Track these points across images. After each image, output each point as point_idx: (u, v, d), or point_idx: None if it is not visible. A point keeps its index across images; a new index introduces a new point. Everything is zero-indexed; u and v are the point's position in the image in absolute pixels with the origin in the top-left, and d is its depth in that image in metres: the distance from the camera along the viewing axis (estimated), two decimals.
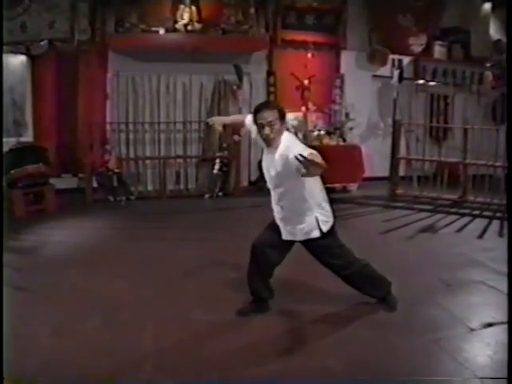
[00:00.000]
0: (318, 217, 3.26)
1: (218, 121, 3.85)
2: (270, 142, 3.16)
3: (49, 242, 5.70)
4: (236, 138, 8.29)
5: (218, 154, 8.45)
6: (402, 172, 8.31)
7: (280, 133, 3.16)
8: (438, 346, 3.11)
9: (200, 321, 3.50)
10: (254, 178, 8.99)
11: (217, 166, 8.30)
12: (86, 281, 4.36)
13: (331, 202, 3.40)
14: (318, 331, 3.36)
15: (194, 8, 8.20)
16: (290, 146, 3.07)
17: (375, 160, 9.25)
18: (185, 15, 8.12)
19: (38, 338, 3.23)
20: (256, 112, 3.16)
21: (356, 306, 3.75)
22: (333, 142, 8.87)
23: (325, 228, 3.29)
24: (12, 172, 6.90)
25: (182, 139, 8.78)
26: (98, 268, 4.71)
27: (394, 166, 8.13)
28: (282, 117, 3.15)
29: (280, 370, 2.87)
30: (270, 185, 3.35)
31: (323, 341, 3.22)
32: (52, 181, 7.50)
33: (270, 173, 3.26)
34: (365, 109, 9.58)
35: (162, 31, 8.02)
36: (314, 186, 3.26)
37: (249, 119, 3.49)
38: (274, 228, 3.41)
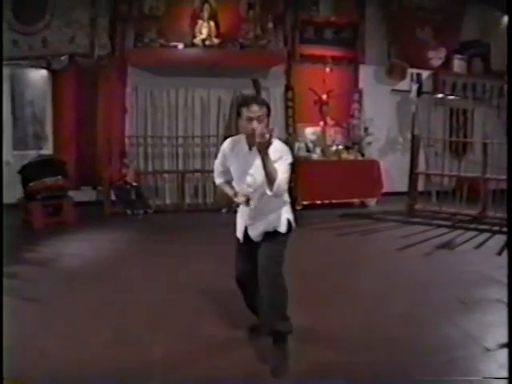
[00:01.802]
0: (288, 216, 3.11)
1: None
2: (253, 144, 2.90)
3: (64, 254, 5.73)
4: None
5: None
6: (420, 187, 8.22)
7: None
8: (451, 366, 3.02)
9: (211, 336, 3.46)
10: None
11: None
12: (98, 294, 4.35)
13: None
14: (333, 350, 3.29)
15: (212, 23, 8.27)
16: (275, 144, 2.87)
17: (394, 175, 9.15)
18: (203, 30, 8.20)
19: (48, 351, 3.22)
20: (243, 105, 2.93)
21: (366, 323, 3.68)
22: (351, 157, 8.83)
23: (291, 226, 3.13)
24: (31, 184, 6.98)
25: (200, 153, 8.82)
26: (111, 281, 4.71)
27: (412, 180, 8.04)
28: (269, 114, 2.98)
29: None
30: (244, 185, 3.04)
31: (335, 360, 3.14)
32: (71, 193, 7.57)
33: (250, 174, 3.00)
34: (383, 123, 9.53)
35: (180, 46, 8.10)
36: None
37: (224, 147, 3.17)
38: (242, 253, 3.22)
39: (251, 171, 2.99)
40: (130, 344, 3.34)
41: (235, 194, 3.07)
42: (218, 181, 3.29)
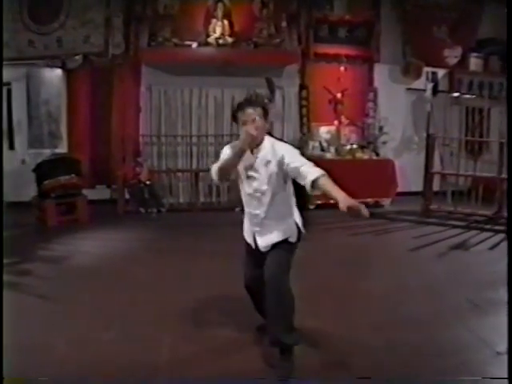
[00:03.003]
0: (298, 224, 3.03)
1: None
2: (252, 142, 2.86)
3: (77, 252, 5.77)
4: None
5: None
6: (435, 187, 8.12)
7: (263, 132, 2.92)
8: (461, 369, 2.96)
9: (217, 336, 3.45)
10: None
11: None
12: (108, 292, 4.36)
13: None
14: (342, 351, 3.25)
15: (226, 22, 8.28)
16: (275, 145, 2.90)
17: (409, 174, 9.10)
18: (217, 29, 8.20)
19: (54, 348, 3.24)
20: (238, 109, 2.91)
21: (376, 324, 3.64)
22: (366, 156, 8.77)
23: (300, 235, 3.05)
24: (45, 183, 7.04)
25: (214, 152, 8.81)
26: (122, 280, 4.72)
27: (427, 180, 7.97)
28: (266, 114, 2.93)
29: None
30: (248, 191, 3.02)
31: (344, 360, 3.10)
32: (85, 192, 7.63)
33: (255, 178, 2.95)
34: (398, 122, 9.47)
35: (194, 45, 8.11)
36: (291, 189, 3.07)
37: (224, 152, 3.03)
38: (251, 258, 3.16)
39: (256, 175, 2.94)
40: (136, 343, 3.34)
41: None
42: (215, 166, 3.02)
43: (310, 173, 2.77)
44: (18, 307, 3.99)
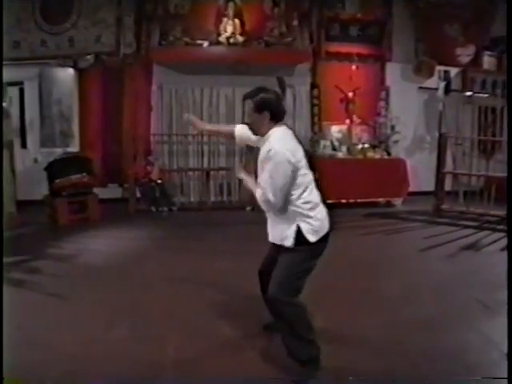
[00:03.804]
0: (298, 228, 2.84)
1: (199, 123, 3.60)
2: (254, 132, 2.99)
3: (87, 250, 5.81)
4: None
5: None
6: (447, 187, 8.08)
7: (261, 125, 2.90)
8: (468, 371, 2.94)
9: (225, 334, 3.47)
10: None
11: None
12: (117, 290, 4.38)
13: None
14: (349, 352, 3.23)
15: (237, 21, 8.26)
16: (270, 140, 2.83)
17: (421, 174, 9.03)
18: (228, 28, 8.19)
19: (61, 345, 3.27)
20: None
21: (384, 325, 3.63)
22: (377, 156, 8.72)
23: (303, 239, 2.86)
24: (57, 181, 7.08)
25: (225, 151, 8.82)
26: (131, 278, 4.75)
27: (439, 180, 7.92)
28: (258, 108, 2.85)
29: None
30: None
31: (350, 361, 3.09)
32: (97, 191, 7.66)
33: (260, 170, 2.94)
34: (410, 122, 9.41)
35: (205, 44, 8.10)
36: (298, 192, 2.87)
37: (238, 128, 3.30)
38: (269, 247, 3.16)
39: (260, 169, 2.94)
40: (144, 341, 3.36)
41: None
42: None
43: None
44: (27, 305, 4.03)
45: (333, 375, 2.90)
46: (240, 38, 8.23)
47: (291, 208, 2.85)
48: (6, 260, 5.12)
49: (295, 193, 2.84)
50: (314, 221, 2.87)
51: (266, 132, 2.89)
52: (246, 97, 2.93)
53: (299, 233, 2.84)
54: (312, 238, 2.84)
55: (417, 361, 3.09)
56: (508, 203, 6.43)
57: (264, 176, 2.77)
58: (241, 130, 3.25)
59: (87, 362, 3.06)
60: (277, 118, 2.90)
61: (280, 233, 2.92)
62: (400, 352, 3.20)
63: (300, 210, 2.85)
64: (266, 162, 2.76)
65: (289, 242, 2.86)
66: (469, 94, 9.35)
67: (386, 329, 3.57)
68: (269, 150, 2.74)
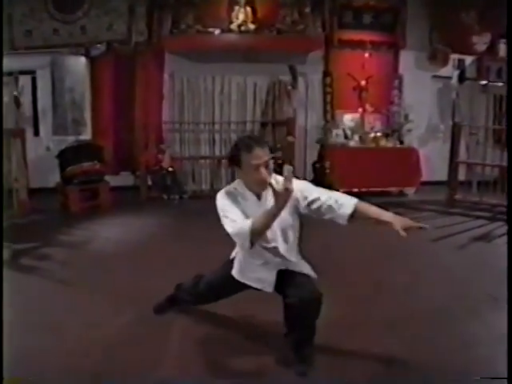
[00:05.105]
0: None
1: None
2: (264, 186, 2.63)
3: (98, 237, 5.86)
4: (290, 138, 8.23)
5: (271, 155, 8.31)
6: (461, 176, 7.97)
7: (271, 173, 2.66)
8: (473, 364, 2.90)
9: (233, 319, 3.52)
10: (308, 180, 8.82)
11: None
12: (125, 277, 4.41)
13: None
14: (356, 343, 3.23)
15: (248, 8, 8.19)
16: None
17: (434, 163, 8.94)
18: (240, 16, 8.13)
19: (67, 329, 3.33)
20: (246, 150, 2.58)
21: (391, 317, 3.61)
22: (389, 145, 8.65)
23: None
24: (68, 169, 7.11)
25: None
26: (140, 265, 4.75)
27: (452, 170, 7.83)
28: (273, 157, 2.69)
29: None
30: (261, 240, 2.68)
31: (357, 352, 3.09)
32: (109, 178, 7.69)
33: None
34: (424, 110, 9.30)
35: (217, 32, 8.06)
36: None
37: (224, 204, 2.77)
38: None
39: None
40: (148, 326, 3.39)
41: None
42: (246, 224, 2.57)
43: (344, 205, 2.60)
44: (37, 291, 4.07)
45: (340, 369, 2.89)
46: (251, 26, 8.15)
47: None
48: (17, 246, 5.23)
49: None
50: None
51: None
52: (264, 144, 2.67)
53: None
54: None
55: (422, 353, 3.06)
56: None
57: (321, 190, 2.70)
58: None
59: (94, 347, 3.10)
60: None
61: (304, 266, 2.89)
62: (405, 344, 3.18)
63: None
64: (304, 193, 2.66)
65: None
66: (484, 82, 9.23)
67: (392, 321, 3.54)
68: (297, 185, 2.59)
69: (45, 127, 8.46)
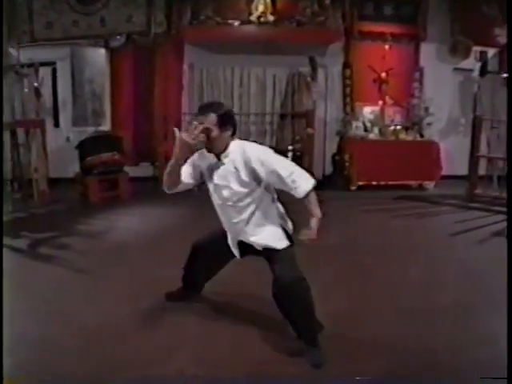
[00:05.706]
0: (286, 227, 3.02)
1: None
2: (209, 149, 2.86)
3: (116, 227, 5.91)
4: (309, 130, 8.19)
5: (290, 147, 8.34)
6: (481, 171, 7.87)
7: (223, 140, 2.84)
8: (489, 363, 2.84)
9: (246, 308, 3.53)
10: (328, 172, 8.86)
11: (289, 159, 8.20)
12: (141, 267, 4.41)
13: None
14: (367, 341, 3.19)
15: (268, 0, 8.15)
16: (246, 150, 2.84)
17: (454, 157, 8.84)
18: (259, 7, 8.09)
19: (86, 317, 3.36)
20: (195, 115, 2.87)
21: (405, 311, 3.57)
22: (409, 138, 8.58)
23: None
24: (88, 159, 7.17)
25: (256, 131, 8.79)
26: (158, 255, 4.76)
27: (473, 164, 7.74)
28: (222, 123, 2.79)
29: None
30: (223, 203, 2.98)
31: (369, 345, 3.06)
32: (128, 169, 7.72)
33: (222, 191, 2.92)
34: (445, 104, 9.18)
35: (236, 23, 8.03)
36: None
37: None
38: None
39: (223, 183, 2.89)
40: (161, 315, 3.43)
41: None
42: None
43: (298, 189, 2.76)
44: (55, 279, 4.11)
45: (349, 363, 2.86)
46: (271, 17, 8.12)
47: (276, 207, 3.03)
48: (37, 236, 5.29)
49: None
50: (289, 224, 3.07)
51: (224, 148, 2.87)
52: (205, 111, 2.80)
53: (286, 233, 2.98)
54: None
55: (437, 349, 3.02)
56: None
57: (284, 164, 2.82)
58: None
59: (111, 336, 3.13)
60: (235, 132, 2.92)
61: (270, 234, 2.94)
62: (420, 340, 3.14)
63: (281, 211, 3.05)
64: (264, 164, 2.78)
65: (283, 243, 2.93)
66: (506, 75, 9.09)
67: (406, 315, 3.50)
68: (258, 155, 2.81)
69: (65, 118, 8.50)
